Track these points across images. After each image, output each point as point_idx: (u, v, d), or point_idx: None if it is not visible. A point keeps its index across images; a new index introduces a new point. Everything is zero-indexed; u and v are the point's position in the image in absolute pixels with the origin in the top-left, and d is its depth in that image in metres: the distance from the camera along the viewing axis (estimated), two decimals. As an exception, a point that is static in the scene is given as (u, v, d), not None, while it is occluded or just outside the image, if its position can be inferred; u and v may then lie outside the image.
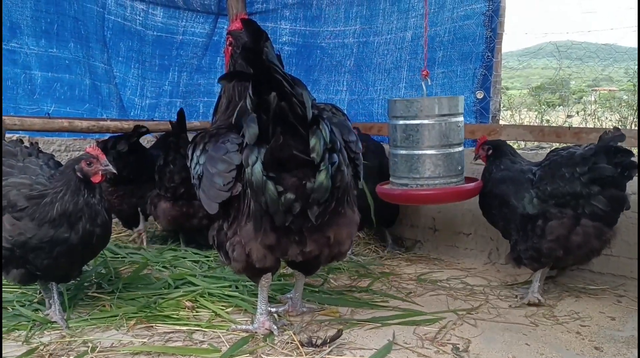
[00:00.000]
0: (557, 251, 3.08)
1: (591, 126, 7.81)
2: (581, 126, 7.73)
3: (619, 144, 2.96)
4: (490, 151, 3.44)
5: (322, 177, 2.28)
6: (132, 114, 5.33)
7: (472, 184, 3.27)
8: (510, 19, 4.37)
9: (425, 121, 3.07)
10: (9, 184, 2.78)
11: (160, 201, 4.15)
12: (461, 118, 3.13)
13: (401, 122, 3.12)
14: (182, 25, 5.54)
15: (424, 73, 3.28)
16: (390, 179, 3.33)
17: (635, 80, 9.05)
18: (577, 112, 8.43)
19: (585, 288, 3.41)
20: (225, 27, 5.53)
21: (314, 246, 2.51)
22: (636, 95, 8.58)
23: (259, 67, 2.17)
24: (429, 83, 3.25)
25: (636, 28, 3.72)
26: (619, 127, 3.33)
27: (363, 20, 4.81)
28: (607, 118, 7.99)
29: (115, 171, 2.80)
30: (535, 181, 3.16)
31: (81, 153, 4.75)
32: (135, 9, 5.22)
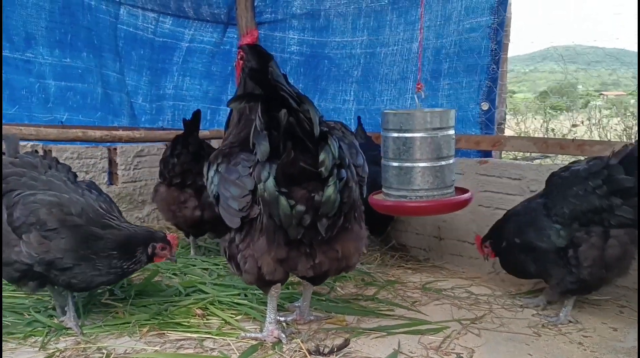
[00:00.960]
0: (599, 272, 3.04)
1: (596, 134, 7.85)
2: (585, 135, 7.80)
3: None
4: (491, 243, 3.46)
5: (329, 191, 2.37)
6: (142, 119, 5.43)
7: (463, 196, 3.30)
8: (515, 24, 4.42)
9: (417, 134, 3.10)
10: (37, 201, 2.82)
11: (159, 187, 4.34)
12: (453, 131, 3.18)
13: (394, 134, 3.17)
14: (191, 34, 5.65)
15: (418, 86, 3.32)
16: (383, 190, 3.38)
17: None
18: (582, 122, 8.46)
19: (587, 298, 3.45)
20: (235, 36, 5.63)
21: (323, 259, 2.59)
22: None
23: (266, 87, 2.28)
24: (423, 96, 3.29)
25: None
26: (629, 142, 3.36)
27: (370, 31, 4.88)
28: (612, 127, 8.02)
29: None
30: (550, 211, 3.15)
31: (92, 160, 4.91)
32: (147, 17, 5.32)
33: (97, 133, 3.69)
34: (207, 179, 2.79)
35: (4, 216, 2.84)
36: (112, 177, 4.99)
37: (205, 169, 2.82)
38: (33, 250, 2.75)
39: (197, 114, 4.21)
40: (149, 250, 2.88)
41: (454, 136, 3.17)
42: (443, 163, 3.13)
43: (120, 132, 3.85)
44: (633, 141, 3.21)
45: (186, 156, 4.15)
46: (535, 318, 3.22)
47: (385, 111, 3.16)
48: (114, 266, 2.85)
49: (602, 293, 3.45)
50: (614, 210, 2.97)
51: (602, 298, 3.47)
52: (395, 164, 3.14)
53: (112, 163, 5.03)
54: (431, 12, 4.47)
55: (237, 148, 2.73)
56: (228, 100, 2.46)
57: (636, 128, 7.35)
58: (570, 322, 3.14)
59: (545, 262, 3.18)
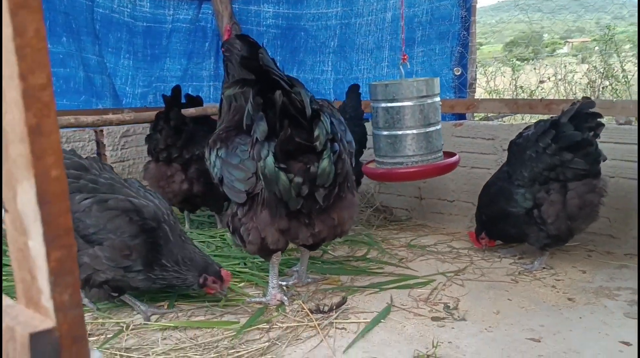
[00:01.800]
0: (564, 224, 3.26)
1: (562, 89, 8.15)
2: (552, 90, 8.09)
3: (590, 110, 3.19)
4: (486, 233, 3.67)
5: (325, 163, 2.60)
6: (124, 102, 5.52)
7: (451, 159, 3.52)
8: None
9: (405, 103, 3.29)
10: (112, 207, 2.83)
11: (149, 165, 4.53)
12: (438, 98, 3.37)
13: (382, 105, 3.35)
14: (172, 14, 5.69)
15: (403, 57, 3.49)
16: (375, 158, 3.57)
17: (607, 31, 9.34)
18: (549, 78, 8.74)
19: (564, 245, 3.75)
20: (210, 11, 5.70)
21: (322, 228, 2.84)
22: (609, 45, 8.84)
23: (258, 72, 2.51)
24: (408, 67, 3.47)
25: None
26: (588, 96, 3.62)
27: (344, 2, 5.00)
28: (576, 82, 8.32)
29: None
30: (512, 177, 3.38)
31: (80, 143, 5.02)
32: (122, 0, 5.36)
33: (89, 118, 3.81)
34: (209, 163, 2.99)
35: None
36: (100, 158, 5.11)
37: (206, 153, 3.02)
38: (115, 257, 2.78)
39: (175, 90, 4.36)
40: (201, 280, 2.90)
41: (439, 103, 3.35)
42: (431, 129, 3.32)
43: (111, 116, 3.97)
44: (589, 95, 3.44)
45: (168, 131, 4.31)
46: (512, 267, 3.52)
47: (373, 83, 3.32)
48: (163, 278, 2.89)
49: (572, 239, 3.75)
50: (566, 164, 3.19)
51: (571, 245, 3.75)
52: (385, 133, 3.32)
53: (99, 144, 5.15)
54: (403, -20, 4.61)
55: (233, 131, 2.92)
56: (222, 89, 2.67)
57: (599, 81, 7.68)
58: (544, 268, 3.44)
59: (520, 225, 3.40)
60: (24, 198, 0.68)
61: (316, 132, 2.55)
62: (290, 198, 2.66)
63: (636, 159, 3.54)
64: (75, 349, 0.70)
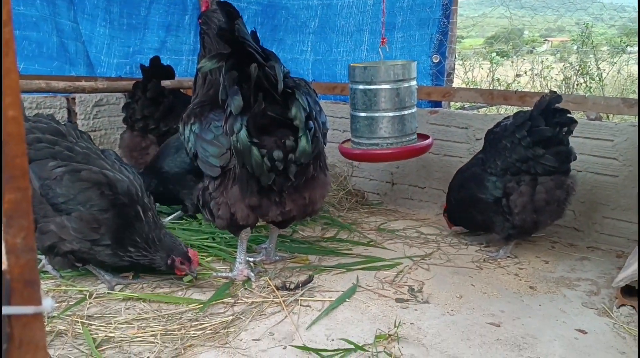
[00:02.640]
0: (529, 216, 3.31)
1: (538, 84, 8.25)
2: (529, 85, 8.18)
3: (557, 105, 3.27)
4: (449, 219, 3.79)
5: (303, 142, 2.59)
6: (99, 72, 5.41)
7: (424, 142, 3.55)
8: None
9: (382, 86, 3.30)
10: (85, 179, 2.78)
11: (124, 134, 4.54)
12: (414, 82, 3.39)
13: (360, 87, 3.36)
14: None
15: (382, 40, 3.49)
16: (352, 139, 3.59)
17: (585, 29, 9.45)
18: (525, 72, 8.84)
19: (529, 238, 3.81)
20: (190, -16, 5.60)
21: (292, 206, 2.84)
22: (587, 46, 8.97)
23: (234, 44, 2.48)
24: (387, 50, 3.47)
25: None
26: (555, 90, 3.66)
27: (327, -18, 4.98)
28: (552, 78, 8.42)
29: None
30: (486, 165, 3.42)
31: (51, 110, 4.92)
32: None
33: (61, 84, 3.73)
34: (183, 137, 2.96)
35: (35, 184, 2.77)
36: (71, 127, 5.02)
37: (180, 127, 2.98)
38: (82, 229, 2.76)
39: (154, 61, 4.33)
40: (169, 261, 2.88)
41: (415, 87, 3.37)
42: (406, 112, 3.34)
43: (83, 83, 3.90)
44: (562, 89, 3.49)
45: (145, 101, 4.30)
46: (478, 254, 3.57)
47: (352, 65, 3.32)
48: (131, 256, 2.87)
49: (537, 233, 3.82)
50: (538, 159, 3.24)
51: (537, 235, 3.83)
52: (363, 114, 3.34)
53: (71, 112, 5.05)
54: (386, -35, 4.59)
55: (207, 106, 2.89)
56: (198, 65, 2.64)
57: (574, 78, 7.79)
58: (508, 256, 3.50)
59: (488, 212, 3.46)
60: (-21, 136, 0.66)
61: (294, 111, 2.53)
62: (262, 173, 2.65)
63: (603, 155, 3.62)
64: (27, 293, 0.69)
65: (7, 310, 0.67)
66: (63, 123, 3.07)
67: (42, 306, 0.70)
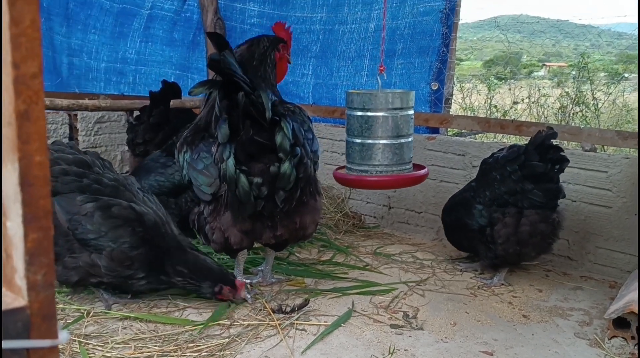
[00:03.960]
0: (512, 248, 3.36)
1: (535, 112, 8.35)
2: (525, 112, 8.29)
3: (551, 141, 3.35)
4: None
5: (285, 166, 2.65)
6: (102, 85, 5.50)
7: (419, 172, 3.58)
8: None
9: (380, 114, 3.34)
10: (116, 216, 2.77)
11: (126, 154, 4.69)
12: (412, 111, 3.43)
13: (357, 113, 3.40)
14: (151, 2, 5.69)
15: (380, 68, 3.55)
16: (346, 164, 3.63)
17: (581, 59, 9.57)
18: (523, 100, 8.95)
19: (515, 267, 3.84)
20: (195, 4, 5.71)
21: (284, 231, 2.91)
22: (583, 72, 9.11)
23: (223, 74, 2.57)
24: (385, 78, 3.52)
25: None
26: (552, 125, 3.73)
27: (329, 8, 5.06)
28: (549, 106, 8.54)
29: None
30: (476, 193, 3.52)
31: (53, 126, 4.97)
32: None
33: (64, 102, 3.79)
34: (179, 164, 3.03)
35: (62, 217, 2.73)
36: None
37: (176, 154, 3.06)
38: (115, 267, 2.77)
39: (166, 86, 4.37)
40: (216, 289, 2.90)
41: (412, 116, 3.42)
42: (402, 140, 3.38)
43: (87, 101, 3.96)
44: (559, 121, 3.56)
45: (147, 126, 4.34)
46: (472, 281, 3.61)
47: (350, 91, 3.36)
48: (176, 283, 2.91)
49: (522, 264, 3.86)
50: (526, 193, 3.31)
51: (530, 264, 3.87)
52: (358, 140, 3.38)
53: (72, 128, 5.10)
54: (388, -7, 4.69)
55: (199, 134, 2.94)
56: (190, 88, 2.73)
57: (570, 107, 7.90)
58: (502, 284, 3.54)
59: (472, 238, 3.56)
60: (7, 179, 0.71)
61: (278, 140, 2.59)
62: (248, 201, 2.70)
63: (598, 186, 3.67)
64: (45, 327, 0.73)
65: (26, 343, 0.71)
66: (84, 151, 3.04)
67: (58, 340, 0.74)
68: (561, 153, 3.29)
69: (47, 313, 0.73)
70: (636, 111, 8.54)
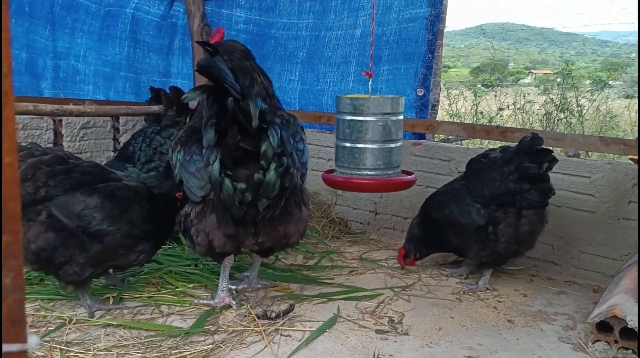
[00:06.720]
0: (512, 246, 3.41)
1: (520, 118, 8.41)
2: (511, 118, 8.34)
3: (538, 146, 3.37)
4: (415, 255, 3.81)
5: (270, 175, 2.64)
6: (88, 89, 5.47)
7: (408, 177, 3.59)
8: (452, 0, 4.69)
9: (369, 118, 3.35)
10: (126, 196, 2.92)
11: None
12: (402, 116, 3.45)
13: (347, 117, 3.41)
14: (135, 3, 5.68)
15: (369, 74, 3.55)
16: (335, 168, 3.63)
17: (566, 66, 9.65)
18: (508, 106, 9.01)
19: (504, 268, 3.86)
20: (182, 9, 5.70)
21: (266, 239, 2.90)
22: (567, 79, 9.18)
23: (213, 79, 2.56)
24: (370, 83, 3.52)
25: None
26: (536, 131, 3.76)
27: (316, 14, 5.07)
28: (534, 112, 8.61)
29: None
30: (472, 192, 3.50)
31: (38, 131, 4.93)
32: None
33: (48, 107, 3.75)
34: (172, 163, 3.02)
35: (66, 221, 2.74)
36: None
37: (170, 152, 3.04)
38: (131, 243, 2.92)
39: (163, 94, 4.39)
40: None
41: (402, 121, 3.44)
42: (392, 145, 3.39)
43: (71, 107, 3.92)
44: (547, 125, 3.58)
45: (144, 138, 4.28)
46: (458, 286, 3.61)
47: (340, 96, 3.38)
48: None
49: (516, 263, 3.89)
50: (524, 194, 3.35)
51: (515, 269, 3.90)
52: (347, 144, 3.39)
53: (57, 134, 5.06)
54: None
55: (194, 135, 2.93)
56: (185, 93, 2.71)
57: (555, 113, 7.97)
58: (487, 289, 3.55)
59: (464, 236, 3.54)
60: (-25, 181, 0.70)
61: (263, 148, 2.59)
62: (232, 205, 2.69)
63: (581, 191, 3.70)
64: (14, 332, 0.71)
65: (-7, 347, 0.69)
66: (47, 146, 3.10)
67: (27, 344, 0.73)
68: (552, 154, 3.33)
69: (15, 318, 0.72)
70: (619, 118, 8.66)
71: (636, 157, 3.61)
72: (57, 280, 2.93)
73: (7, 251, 0.70)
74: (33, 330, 2.74)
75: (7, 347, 0.71)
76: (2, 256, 0.70)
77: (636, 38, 4.00)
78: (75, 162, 2.91)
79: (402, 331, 2.93)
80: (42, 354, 2.50)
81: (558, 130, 7.50)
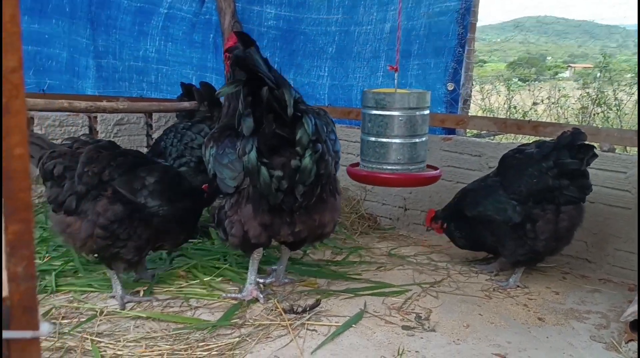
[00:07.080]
0: (551, 243, 3.35)
1: (555, 113, 8.21)
2: (545, 113, 8.16)
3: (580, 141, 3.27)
4: (444, 225, 3.79)
5: (306, 161, 2.67)
6: (121, 84, 5.59)
7: (433, 172, 3.54)
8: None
9: (395, 113, 3.33)
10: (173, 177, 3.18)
11: None
12: (427, 111, 3.41)
13: (373, 112, 3.40)
14: (169, 2, 5.77)
15: (394, 68, 3.52)
16: (360, 162, 3.62)
17: (603, 59, 9.36)
18: (542, 100, 8.80)
19: (536, 265, 3.81)
20: (213, 7, 5.75)
21: (302, 228, 2.92)
22: (604, 73, 8.92)
23: (247, 70, 2.59)
24: (396, 77, 3.48)
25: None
26: (574, 126, 3.67)
27: (345, 9, 5.06)
28: (569, 106, 8.38)
29: None
30: (507, 189, 3.42)
31: (74, 128, 5.05)
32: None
33: (82, 104, 3.84)
34: (205, 158, 3.08)
35: (131, 198, 2.95)
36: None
37: (203, 149, 3.11)
38: (180, 215, 3.11)
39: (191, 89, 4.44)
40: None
41: (428, 116, 3.40)
42: (417, 140, 3.36)
43: (105, 104, 4.01)
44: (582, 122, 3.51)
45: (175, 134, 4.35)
46: (487, 283, 3.56)
47: (366, 90, 3.38)
48: None
49: (549, 261, 3.81)
50: (562, 190, 3.27)
51: (548, 266, 3.82)
52: (371, 139, 3.37)
53: (92, 130, 5.18)
54: (403, -6, 4.66)
55: (226, 131, 2.99)
56: (218, 90, 2.76)
57: (592, 108, 7.76)
58: (518, 286, 3.49)
59: (500, 234, 3.46)
60: (-13, 172, 0.72)
61: (298, 135, 2.61)
62: (270, 193, 2.73)
63: (616, 187, 3.60)
64: (25, 319, 0.73)
65: (6, 334, 0.71)
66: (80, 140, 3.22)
67: (39, 331, 0.75)
68: (593, 150, 3.26)
69: (27, 305, 0.74)
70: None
71: None
72: (110, 263, 3.02)
73: (19, 241, 0.72)
74: (65, 321, 2.82)
75: (19, 334, 0.73)
76: (14, 245, 0.72)
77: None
78: (124, 149, 3.20)
79: (429, 327, 2.90)
80: (74, 344, 2.57)
81: (594, 124, 7.31)
